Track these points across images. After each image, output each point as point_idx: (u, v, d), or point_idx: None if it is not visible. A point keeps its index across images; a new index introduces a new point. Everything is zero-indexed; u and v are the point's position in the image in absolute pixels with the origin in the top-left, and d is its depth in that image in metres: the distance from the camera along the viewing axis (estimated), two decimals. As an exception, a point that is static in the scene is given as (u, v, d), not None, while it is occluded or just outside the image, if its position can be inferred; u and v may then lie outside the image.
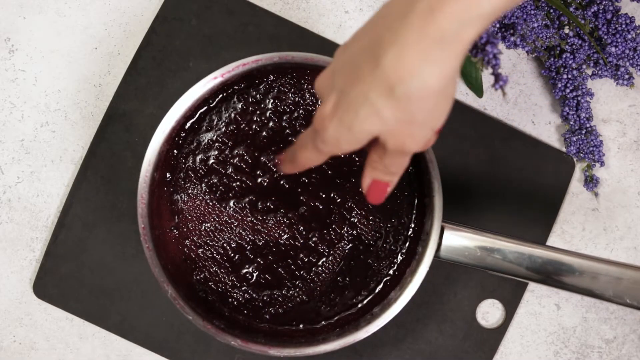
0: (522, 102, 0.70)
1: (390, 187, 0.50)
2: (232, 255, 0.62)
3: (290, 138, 0.62)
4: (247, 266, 0.62)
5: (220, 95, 0.61)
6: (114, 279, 0.68)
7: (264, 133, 0.62)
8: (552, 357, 0.69)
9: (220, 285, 0.62)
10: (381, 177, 0.49)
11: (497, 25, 0.67)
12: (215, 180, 0.62)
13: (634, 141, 0.70)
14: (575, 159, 0.69)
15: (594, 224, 0.69)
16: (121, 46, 0.70)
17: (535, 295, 0.69)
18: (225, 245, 0.62)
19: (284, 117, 0.62)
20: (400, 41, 0.41)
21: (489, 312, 0.69)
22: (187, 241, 0.62)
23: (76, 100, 0.70)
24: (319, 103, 0.62)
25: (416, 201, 0.62)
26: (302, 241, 0.62)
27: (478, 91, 0.67)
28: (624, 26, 0.66)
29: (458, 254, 0.59)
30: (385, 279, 0.62)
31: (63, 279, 0.68)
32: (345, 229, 0.62)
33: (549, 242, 0.69)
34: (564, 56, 0.67)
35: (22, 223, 0.69)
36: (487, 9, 0.40)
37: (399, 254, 0.62)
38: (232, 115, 0.62)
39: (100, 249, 0.68)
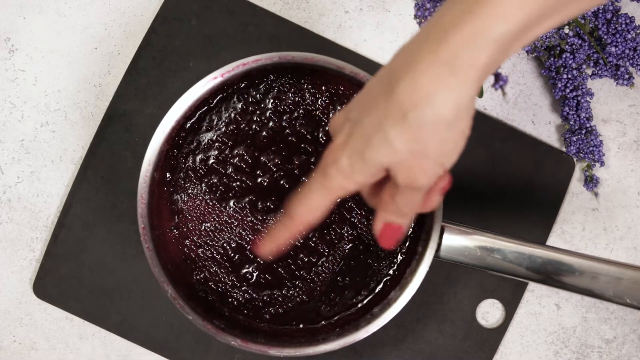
0: (522, 102, 0.70)
1: (403, 232, 0.49)
2: (232, 255, 0.62)
3: (290, 138, 0.62)
4: (247, 266, 0.62)
5: (220, 95, 0.61)
6: (114, 279, 0.68)
7: (264, 133, 0.62)
8: (552, 357, 0.69)
9: (220, 285, 0.62)
10: (393, 219, 0.48)
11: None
12: (215, 180, 0.62)
13: (634, 141, 0.70)
14: (575, 159, 0.69)
15: (594, 224, 0.69)
16: (121, 46, 0.70)
17: (535, 295, 0.69)
18: (225, 245, 0.62)
19: (284, 117, 0.62)
20: (415, 68, 0.41)
21: (489, 312, 0.69)
22: (187, 241, 0.62)
23: (76, 100, 0.70)
24: (317, 103, 0.62)
25: (416, 201, 0.62)
26: (302, 241, 0.62)
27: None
28: (624, 26, 0.66)
29: (458, 254, 0.59)
30: (385, 279, 0.62)
31: (63, 279, 0.68)
32: (345, 228, 0.62)
33: (549, 242, 0.69)
34: (564, 56, 0.67)
35: (22, 223, 0.69)
36: (499, 33, 0.40)
37: (399, 254, 0.62)
38: (232, 115, 0.62)
39: (100, 249, 0.68)
